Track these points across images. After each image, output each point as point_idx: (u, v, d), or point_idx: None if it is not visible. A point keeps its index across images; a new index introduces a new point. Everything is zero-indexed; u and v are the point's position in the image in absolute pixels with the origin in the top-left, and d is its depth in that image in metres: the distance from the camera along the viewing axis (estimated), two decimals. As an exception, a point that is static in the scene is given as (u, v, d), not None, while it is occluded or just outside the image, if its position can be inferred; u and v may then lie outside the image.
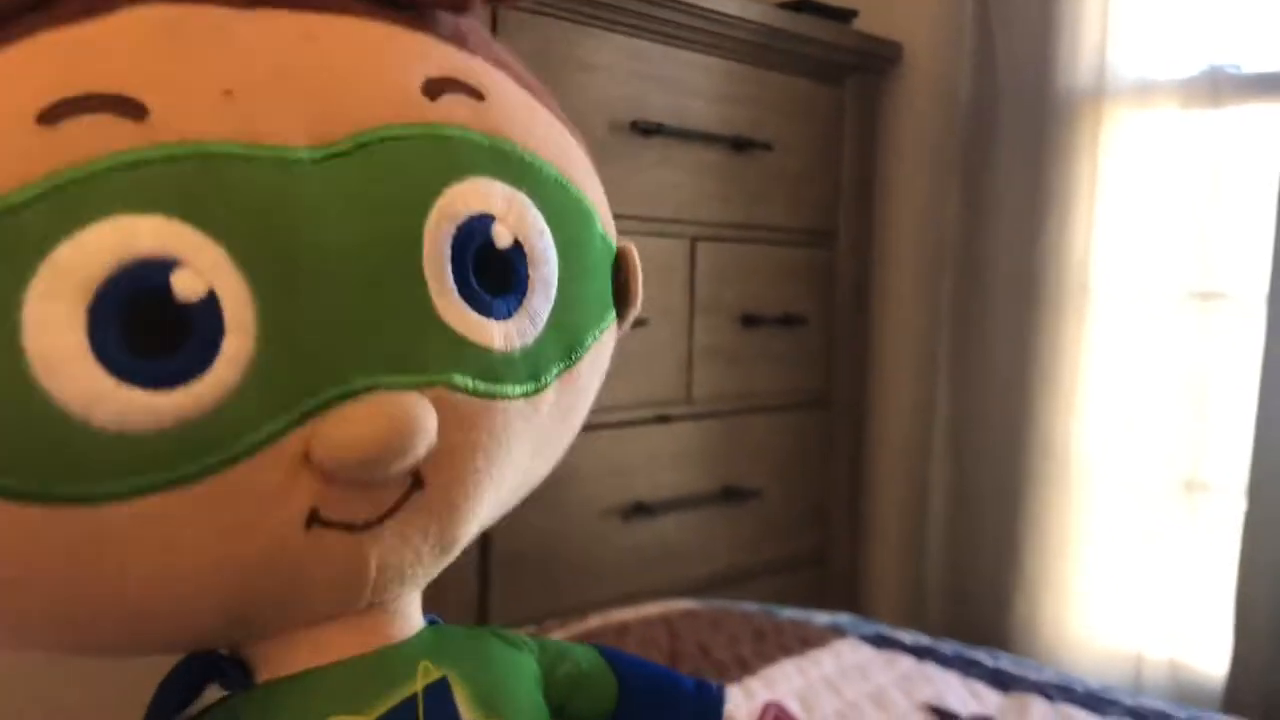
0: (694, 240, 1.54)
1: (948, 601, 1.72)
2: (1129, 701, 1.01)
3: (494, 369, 0.39)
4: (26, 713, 1.18)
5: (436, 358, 0.37)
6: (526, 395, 0.40)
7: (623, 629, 1.19)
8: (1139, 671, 1.54)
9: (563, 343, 0.41)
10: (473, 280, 0.38)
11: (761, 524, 1.68)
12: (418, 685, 0.41)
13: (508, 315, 0.39)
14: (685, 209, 1.52)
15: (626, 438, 1.48)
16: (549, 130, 0.42)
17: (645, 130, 1.42)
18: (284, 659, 0.40)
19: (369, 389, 0.35)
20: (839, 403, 1.79)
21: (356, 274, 0.35)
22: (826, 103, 1.72)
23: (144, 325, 0.32)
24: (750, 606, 1.26)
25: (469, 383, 0.38)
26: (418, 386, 0.36)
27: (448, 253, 0.37)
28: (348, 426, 0.34)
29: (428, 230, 0.36)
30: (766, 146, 1.60)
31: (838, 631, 1.17)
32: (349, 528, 0.37)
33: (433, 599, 0.47)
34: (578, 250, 0.42)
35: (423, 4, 0.40)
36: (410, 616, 0.43)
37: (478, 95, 0.39)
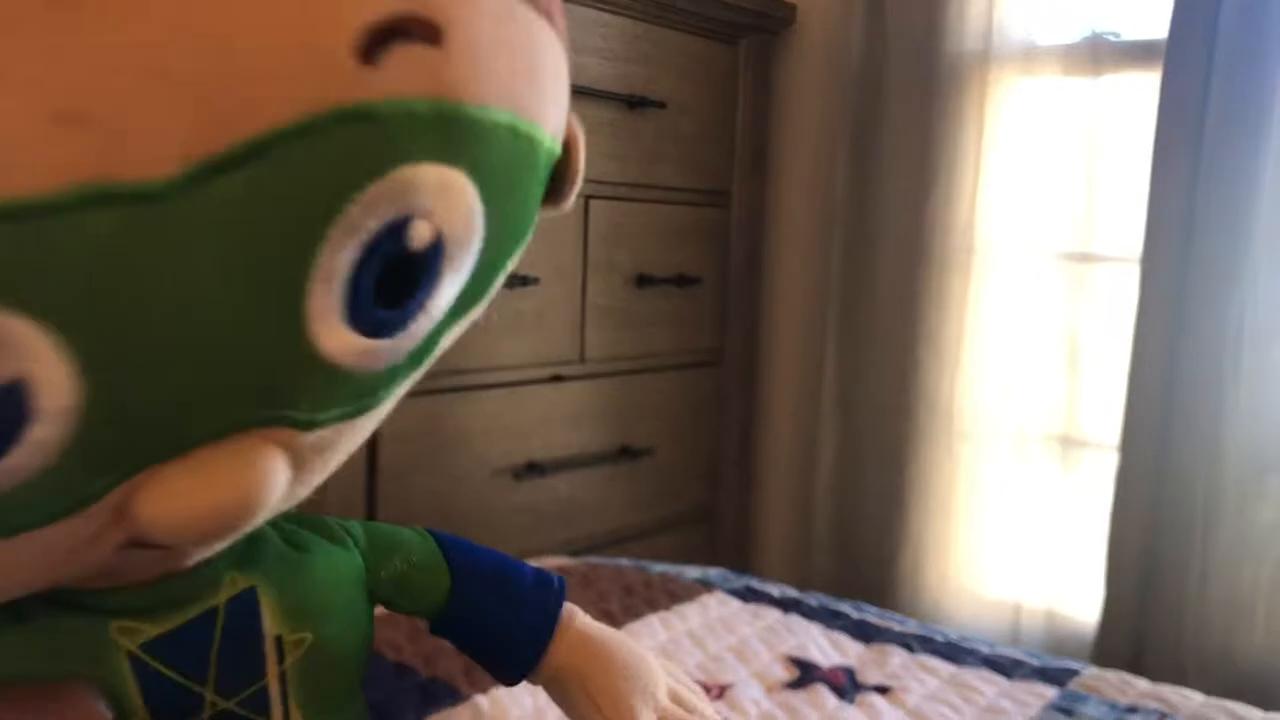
0: (587, 199, 1.53)
1: (835, 556, 1.76)
2: (986, 651, 1.05)
3: (375, 384, 0.35)
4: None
5: (307, 396, 0.32)
6: (410, 374, 0.38)
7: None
8: (1017, 620, 1.60)
9: (466, 298, 0.37)
10: (370, 303, 0.32)
11: (654, 482, 1.70)
12: (221, 598, 0.40)
13: (403, 325, 0.33)
14: (578, 167, 1.50)
15: (519, 397, 1.47)
16: (517, 51, 0.33)
17: (537, 87, 1.40)
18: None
19: (211, 437, 0.31)
20: (730, 362, 1.81)
21: (217, 322, 0.29)
22: (721, 63, 1.72)
23: None
24: (624, 562, 1.26)
25: (342, 410, 0.34)
26: (278, 425, 0.32)
27: (346, 276, 0.31)
28: (173, 501, 0.30)
29: (324, 254, 0.30)
30: (661, 105, 1.60)
31: (706, 586, 1.18)
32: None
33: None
34: (516, 198, 0.35)
35: None
36: None
37: (435, 34, 0.30)
